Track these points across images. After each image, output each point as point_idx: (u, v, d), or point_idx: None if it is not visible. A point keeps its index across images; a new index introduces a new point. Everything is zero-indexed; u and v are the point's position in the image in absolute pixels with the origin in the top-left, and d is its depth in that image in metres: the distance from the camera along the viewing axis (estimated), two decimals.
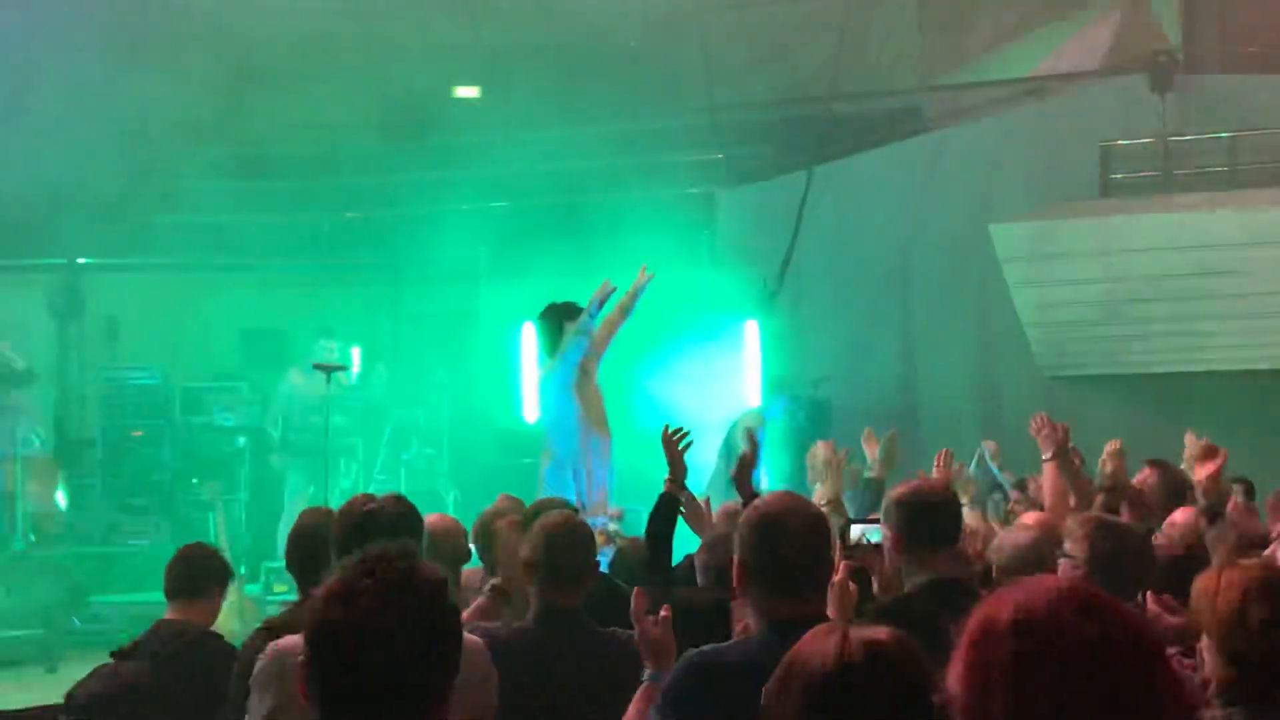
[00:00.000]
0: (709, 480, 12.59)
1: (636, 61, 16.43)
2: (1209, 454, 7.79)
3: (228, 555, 14.20)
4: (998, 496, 9.52)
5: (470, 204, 17.62)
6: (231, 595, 13.97)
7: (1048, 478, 7.80)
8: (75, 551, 15.38)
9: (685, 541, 6.84)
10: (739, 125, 17.25)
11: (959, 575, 5.34)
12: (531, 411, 15.55)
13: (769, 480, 12.59)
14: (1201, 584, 4.15)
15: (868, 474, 8.79)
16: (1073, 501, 7.42)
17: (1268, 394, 13.04)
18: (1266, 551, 6.71)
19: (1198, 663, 4.27)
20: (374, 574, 2.91)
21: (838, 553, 5.38)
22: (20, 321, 16.90)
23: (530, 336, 14.54)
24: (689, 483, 6.99)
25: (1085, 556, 5.34)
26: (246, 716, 4.75)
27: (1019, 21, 16.22)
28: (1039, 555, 5.60)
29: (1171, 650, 4.39)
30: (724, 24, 16.56)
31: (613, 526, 9.71)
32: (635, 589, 4.69)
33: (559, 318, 10.90)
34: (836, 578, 4.76)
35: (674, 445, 7.01)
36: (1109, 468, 7.98)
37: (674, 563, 6.64)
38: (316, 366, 14.01)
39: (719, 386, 14.93)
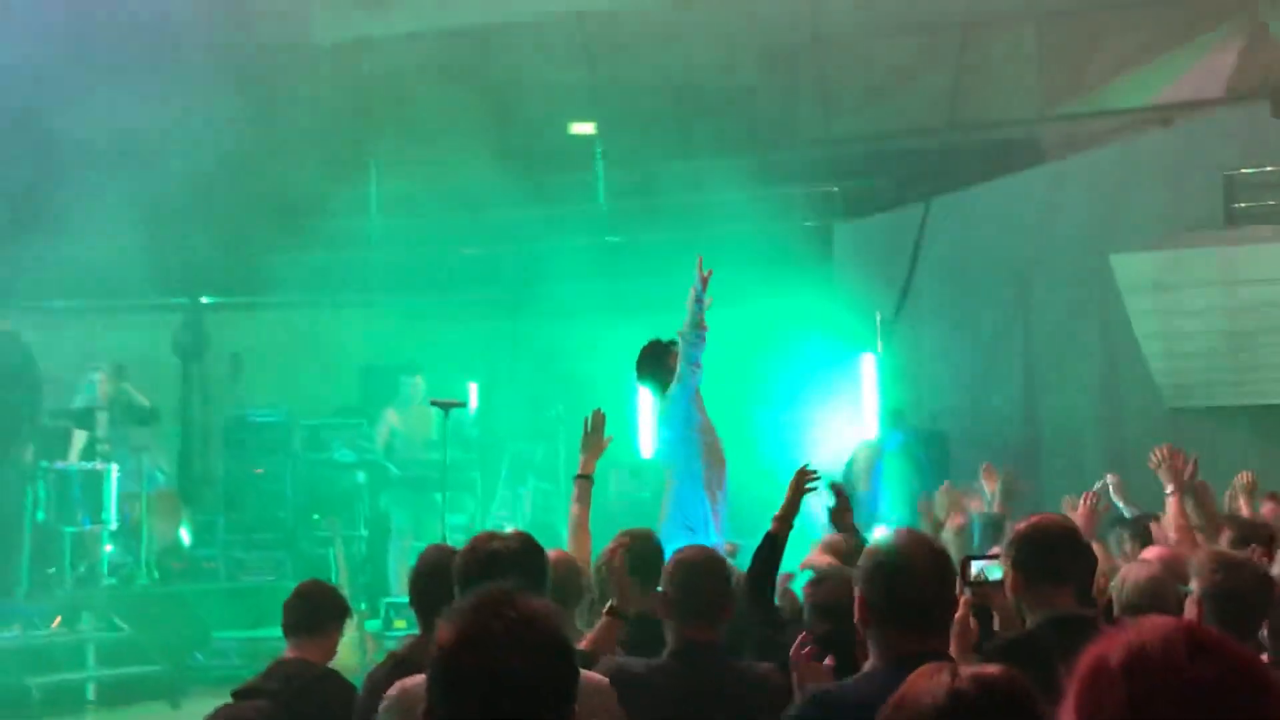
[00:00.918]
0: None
1: (753, 95, 16.44)
2: None
3: (347, 591, 14.43)
4: (1120, 531, 9.36)
5: (587, 238, 17.68)
6: (352, 630, 14.15)
7: (1171, 512, 7.66)
8: (199, 588, 15.54)
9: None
10: (855, 157, 17.20)
11: (1081, 612, 5.25)
12: (648, 446, 15.54)
13: (886, 510, 12.50)
14: None
15: (987, 509, 8.69)
16: (1200, 537, 7.29)
17: None
18: None
19: None
20: (489, 612, 2.91)
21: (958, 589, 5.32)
22: (146, 360, 17.14)
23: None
24: (801, 518, 6.93)
25: (1203, 592, 5.24)
26: None
27: (1140, 49, 16.06)
28: (1161, 591, 5.51)
29: None
30: (840, 56, 16.53)
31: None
32: (802, 634, 4.67)
33: (659, 358, 10.73)
34: (958, 614, 4.71)
35: (801, 485, 6.94)
36: (1238, 502, 7.85)
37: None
38: (434, 403, 14.07)
39: (836, 420, 14.85)
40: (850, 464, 13.55)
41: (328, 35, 17.54)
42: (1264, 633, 5.19)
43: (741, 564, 8.94)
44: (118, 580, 14.81)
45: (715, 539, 9.84)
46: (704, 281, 10.14)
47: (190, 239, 15.96)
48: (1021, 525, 5.46)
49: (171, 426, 17.03)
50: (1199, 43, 15.62)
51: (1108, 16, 16.19)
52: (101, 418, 15.30)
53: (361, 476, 16.26)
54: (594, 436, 8.46)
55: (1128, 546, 7.93)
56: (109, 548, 14.83)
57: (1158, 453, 7.71)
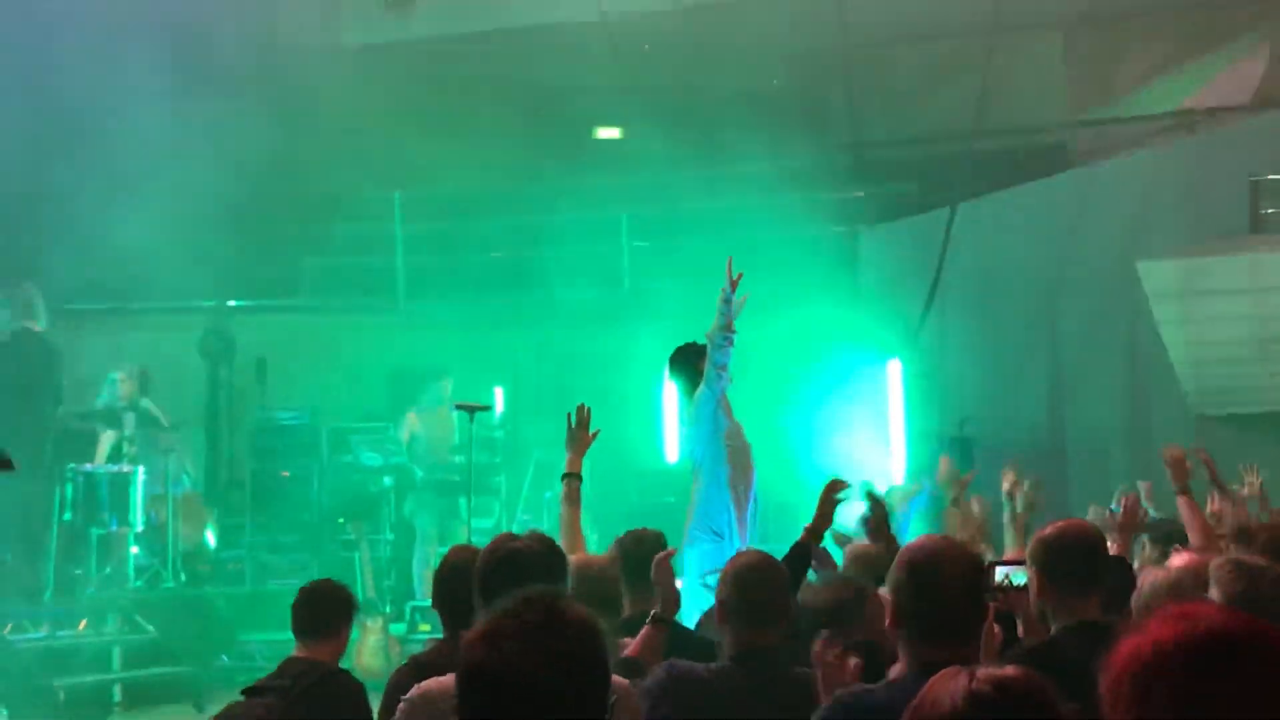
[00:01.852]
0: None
1: (780, 100, 16.44)
2: None
3: (372, 594, 14.47)
4: (1145, 537, 9.32)
5: (614, 244, 17.70)
6: (377, 634, 14.22)
7: (1183, 515, 7.66)
8: (224, 590, 15.57)
9: None
10: (882, 162, 17.19)
11: (1106, 620, 5.24)
12: (673, 452, 15.55)
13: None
14: None
15: (1007, 512, 8.61)
16: (1223, 543, 7.26)
17: None
18: None
19: None
20: (519, 616, 2.91)
21: None
22: (173, 363, 17.19)
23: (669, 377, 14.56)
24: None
25: (1223, 600, 5.23)
26: None
27: (1167, 55, 16.03)
28: (1180, 595, 5.49)
29: None
30: (868, 61, 16.52)
31: None
32: (823, 637, 4.66)
33: (691, 360, 10.71)
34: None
35: (831, 497, 6.93)
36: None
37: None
38: (459, 407, 14.08)
39: (862, 425, 14.83)
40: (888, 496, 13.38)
41: (356, 38, 17.60)
42: None
43: None
44: (143, 582, 14.84)
45: (739, 544, 9.82)
46: (733, 284, 10.13)
47: (218, 242, 15.99)
48: (1047, 531, 5.46)
49: (197, 429, 17.05)
50: (1225, 50, 15.59)
51: (1135, 24, 16.17)
52: (128, 419, 15.34)
53: (388, 480, 16.27)
54: (579, 432, 8.27)
55: (1149, 552, 7.90)
56: (135, 550, 14.86)
57: (1166, 451, 7.71)
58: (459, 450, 14.85)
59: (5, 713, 12.38)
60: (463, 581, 5.09)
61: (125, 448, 15.16)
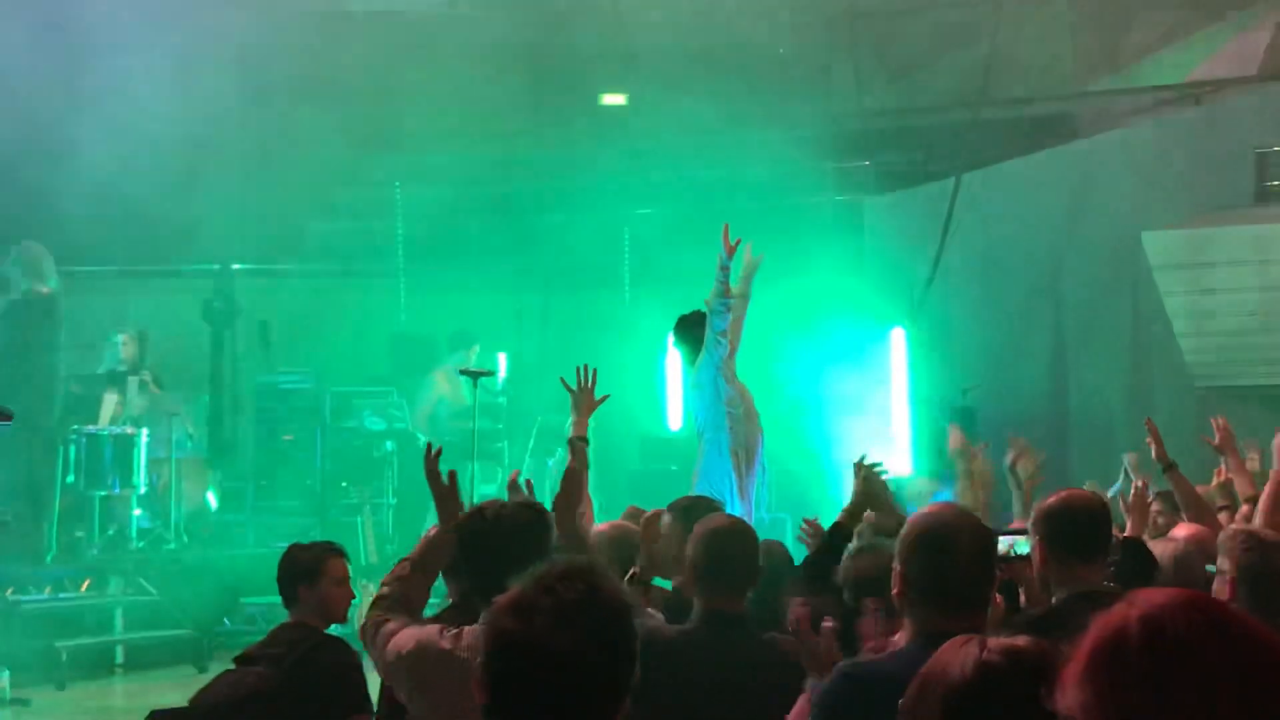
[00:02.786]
0: None
1: (785, 68, 16.40)
2: None
3: (375, 558, 14.49)
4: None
5: (618, 211, 17.68)
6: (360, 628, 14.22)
7: (1174, 489, 7.67)
8: (227, 553, 15.59)
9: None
10: (887, 132, 17.15)
11: (1108, 588, 5.25)
12: (676, 419, 15.57)
13: None
14: None
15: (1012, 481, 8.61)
16: (1246, 511, 7.25)
17: None
18: None
19: None
20: (554, 592, 2.88)
21: None
22: (177, 326, 17.20)
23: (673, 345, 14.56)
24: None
25: (1236, 572, 5.24)
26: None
27: (1172, 27, 15.98)
28: (1188, 568, 5.51)
29: None
30: (873, 30, 16.48)
31: None
32: (797, 600, 4.66)
33: (694, 328, 10.73)
34: None
35: (866, 477, 6.71)
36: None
37: None
38: (463, 372, 14.10)
39: (865, 394, 14.83)
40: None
41: (361, 3, 17.55)
42: None
43: (774, 537, 8.97)
44: (146, 545, 14.89)
45: (740, 510, 9.84)
46: (730, 251, 10.15)
47: (222, 205, 15.97)
48: (1050, 500, 5.46)
49: (201, 392, 17.05)
50: (1232, 21, 15.55)
51: None
52: (131, 382, 15.36)
53: (390, 445, 16.28)
54: (585, 395, 8.01)
55: (1160, 520, 7.91)
56: (138, 512, 14.90)
57: (1148, 424, 7.73)
58: (464, 415, 14.86)
59: (8, 674, 12.42)
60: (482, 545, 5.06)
61: (128, 410, 15.18)
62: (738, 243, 10.23)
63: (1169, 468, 7.61)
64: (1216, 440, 8.30)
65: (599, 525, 6.55)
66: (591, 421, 7.88)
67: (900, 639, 4.29)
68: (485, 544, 4.76)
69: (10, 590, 13.57)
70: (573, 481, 6.86)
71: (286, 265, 18.08)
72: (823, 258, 16.40)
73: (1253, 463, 9.02)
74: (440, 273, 18.20)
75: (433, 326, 17.54)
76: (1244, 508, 7.40)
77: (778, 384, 14.05)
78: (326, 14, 16.60)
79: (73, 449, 14.42)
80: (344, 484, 16.10)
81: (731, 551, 5.33)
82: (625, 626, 2.93)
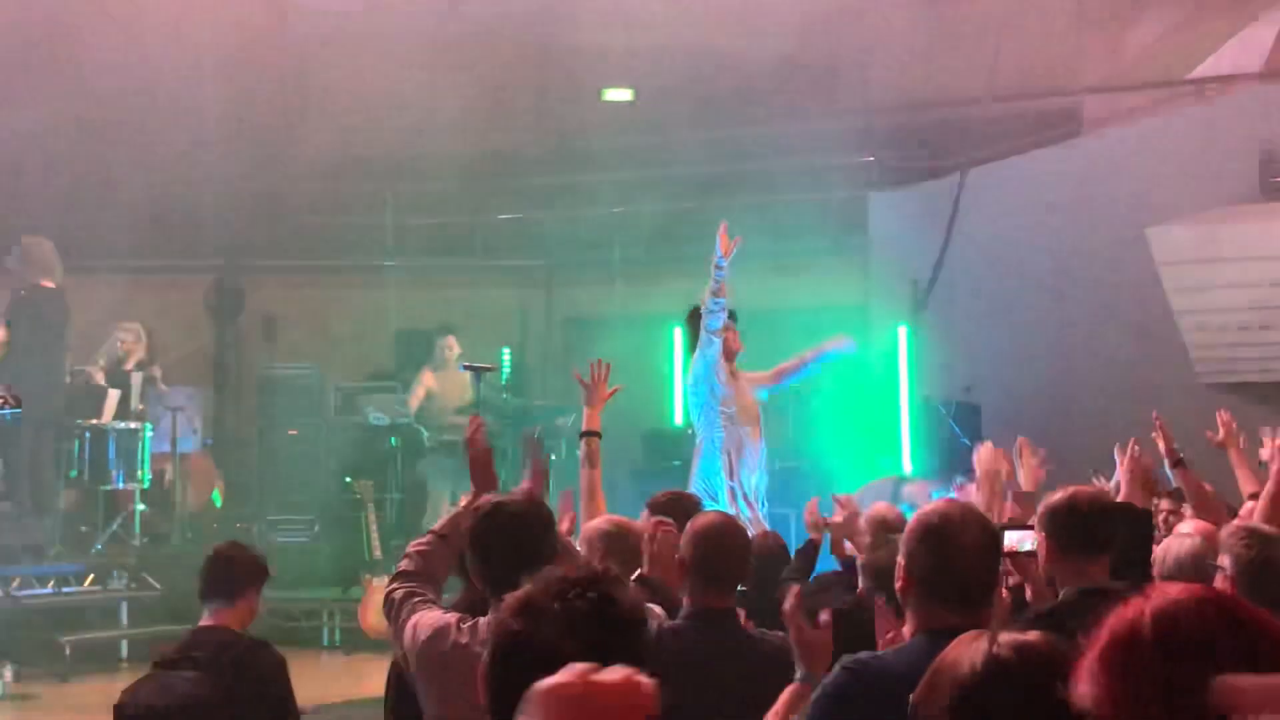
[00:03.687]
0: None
1: (789, 63, 16.36)
2: None
3: (380, 554, 14.50)
4: (1156, 501, 9.32)
5: (623, 207, 17.67)
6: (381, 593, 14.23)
7: (1182, 485, 7.66)
8: None
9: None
10: (892, 127, 17.12)
11: (1113, 585, 5.25)
12: (680, 414, 15.58)
13: None
14: None
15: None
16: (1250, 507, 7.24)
17: None
18: None
19: None
20: (565, 597, 2.86)
21: None
22: (181, 321, 17.22)
23: (680, 340, 14.55)
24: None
25: (1235, 566, 5.24)
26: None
27: (1178, 23, 15.96)
28: (1202, 565, 5.50)
29: None
30: (878, 25, 16.44)
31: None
32: (792, 588, 4.66)
33: (695, 324, 10.78)
34: None
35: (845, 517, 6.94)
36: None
37: None
38: (467, 368, 14.10)
39: (869, 391, 14.82)
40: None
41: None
42: None
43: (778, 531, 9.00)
44: (150, 539, 14.89)
45: (727, 506, 9.91)
46: (725, 250, 10.21)
47: (226, 200, 15.98)
48: (1055, 496, 5.47)
49: (205, 387, 17.07)
50: (1237, 17, 15.52)
51: None
52: (136, 377, 15.38)
53: (395, 440, 16.27)
54: (597, 389, 7.96)
55: (1170, 518, 7.91)
56: (142, 507, 14.91)
57: (1156, 419, 7.72)
58: (467, 410, 14.85)
59: (11, 668, 12.44)
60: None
61: (134, 405, 15.19)
62: (737, 241, 10.27)
63: (1177, 463, 7.60)
64: (1220, 435, 8.30)
65: (595, 521, 6.55)
66: (604, 417, 7.89)
67: (906, 632, 4.29)
68: (492, 541, 4.77)
69: (15, 584, 13.58)
70: (581, 477, 6.90)
71: (290, 260, 18.07)
72: (827, 254, 16.41)
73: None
74: (445, 267, 18.20)
75: (438, 321, 17.54)
76: (1247, 504, 7.39)
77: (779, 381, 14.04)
78: (327, 10, 16.56)
79: (77, 443, 14.44)
80: (348, 479, 16.10)
81: (721, 549, 5.34)
82: (636, 641, 2.90)
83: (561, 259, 18.42)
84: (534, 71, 17.17)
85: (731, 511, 9.33)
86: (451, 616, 4.77)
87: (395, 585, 5.05)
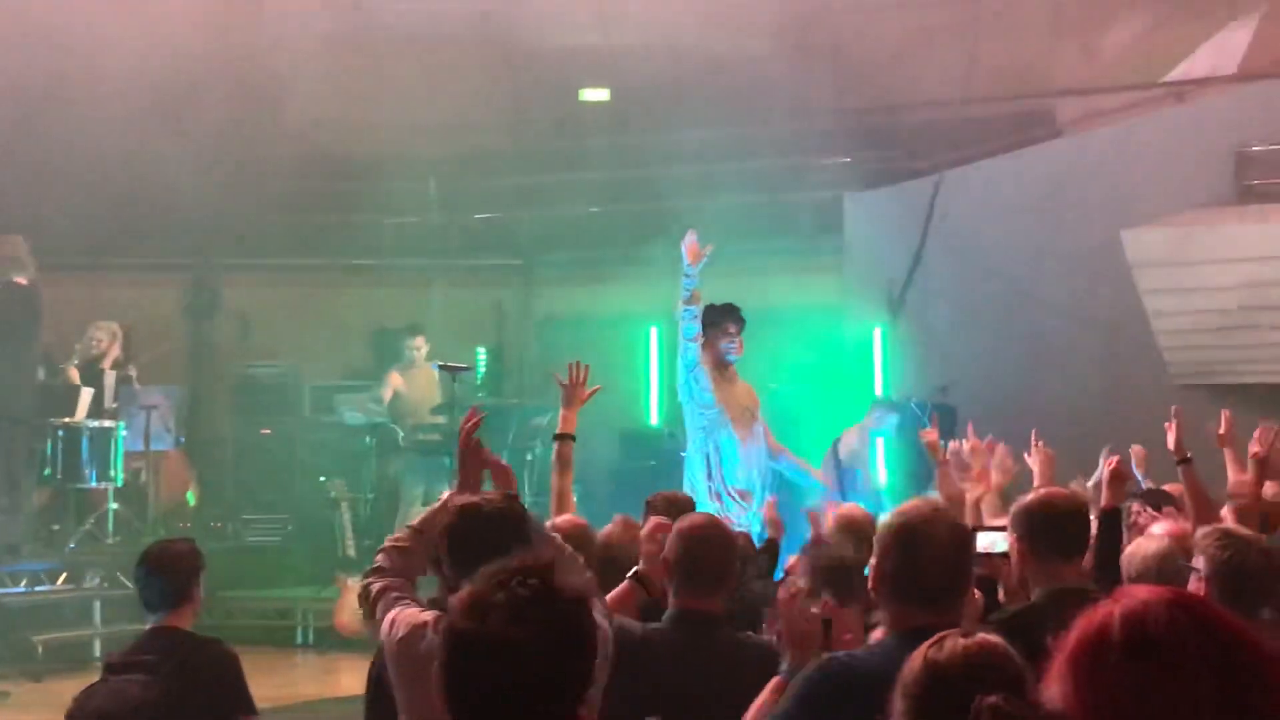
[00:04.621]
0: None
1: (765, 64, 16.36)
2: None
3: (354, 553, 14.48)
4: (1129, 503, 9.32)
5: (599, 206, 17.66)
6: (359, 590, 14.20)
7: (1184, 484, 7.66)
8: (205, 547, 15.50)
9: None
10: (867, 128, 17.12)
11: (1085, 586, 5.26)
12: (657, 415, 15.60)
13: (887, 491, 12.47)
14: None
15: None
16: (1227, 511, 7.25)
17: None
18: None
19: None
20: (507, 587, 2.87)
21: None
22: (155, 319, 17.16)
23: (656, 339, 14.57)
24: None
25: (1209, 569, 5.25)
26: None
27: (1154, 25, 15.99)
28: (1170, 566, 5.51)
29: None
30: (854, 26, 16.46)
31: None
32: (783, 580, 4.68)
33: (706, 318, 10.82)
34: None
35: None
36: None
37: None
38: (442, 367, 14.07)
39: (844, 391, 14.83)
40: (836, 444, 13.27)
41: None
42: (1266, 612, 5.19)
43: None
44: (124, 538, 14.84)
45: (707, 505, 9.95)
46: (693, 259, 10.28)
47: (201, 198, 15.92)
48: (1029, 498, 5.47)
49: (180, 385, 17.01)
50: (1212, 19, 15.56)
51: None
52: (110, 376, 15.33)
53: (369, 439, 16.23)
54: (575, 390, 7.91)
55: (1140, 519, 7.90)
56: (115, 506, 14.85)
57: (1175, 412, 7.73)
58: (440, 411, 14.85)
59: None
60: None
61: (106, 404, 15.14)
62: (708, 249, 10.34)
63: (1182, 461, 7.60)
64: (1222, 430, 8.33)
65: (555, 519, 6.53)
66: (581, 417, 7.88)
67: (878, 634, 4.30)
68: (466, 541, 4.75)
69: None
70: (552, 479, 6.93)
71: (266, 259, 18.02)
72: (802, 254, 16.42)
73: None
74: (421, 266, 18.16)
75: (412, 320, 17.50)
76: (1225, 507, 7.40)
77: (754, 382, 14.05)
78: (305, 11, 16.52)
79: (50, 442, 14.38)
80: (322, 478, 16.06)
81: (706, 551, 5.33)
82: (580, 620, 2.93)
83: (538, 259, 18.41)
84: (511, 71, 17.16)
85: (714, 511, 9.38)
86: (428, 615, 4.75)
87: (372, 579, 5.03)
